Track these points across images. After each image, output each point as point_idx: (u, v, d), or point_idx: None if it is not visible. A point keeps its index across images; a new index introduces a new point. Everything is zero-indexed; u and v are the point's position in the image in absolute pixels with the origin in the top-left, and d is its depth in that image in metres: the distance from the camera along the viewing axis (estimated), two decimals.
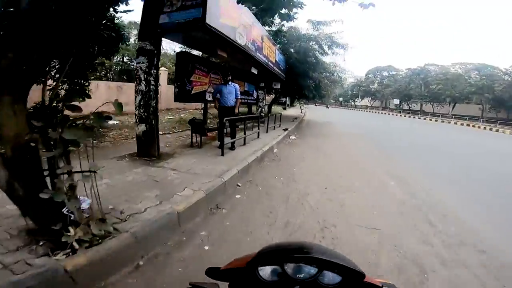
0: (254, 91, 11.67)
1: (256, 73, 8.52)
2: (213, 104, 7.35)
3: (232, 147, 6.00)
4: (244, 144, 6.69)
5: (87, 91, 9.18)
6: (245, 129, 6.71)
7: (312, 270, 0.57)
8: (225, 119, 5.48)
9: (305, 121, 18.84)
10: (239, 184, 4.36)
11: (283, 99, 22.72)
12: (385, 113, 47.38)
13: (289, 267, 0.57)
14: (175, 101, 5.99)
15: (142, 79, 4.80)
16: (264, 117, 10.85)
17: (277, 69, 10.04)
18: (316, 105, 50.58)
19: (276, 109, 27.19)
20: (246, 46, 6.17)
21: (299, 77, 14.44)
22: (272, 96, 21.35)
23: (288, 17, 15.31)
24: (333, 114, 33.62)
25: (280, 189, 4.37)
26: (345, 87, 56.76)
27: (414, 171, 6.30)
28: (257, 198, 3.93)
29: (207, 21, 4.43)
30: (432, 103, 44.78)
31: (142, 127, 4.86)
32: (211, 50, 6.23)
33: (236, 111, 6.13)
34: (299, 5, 14.67)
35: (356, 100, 69.09)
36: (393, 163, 6.94)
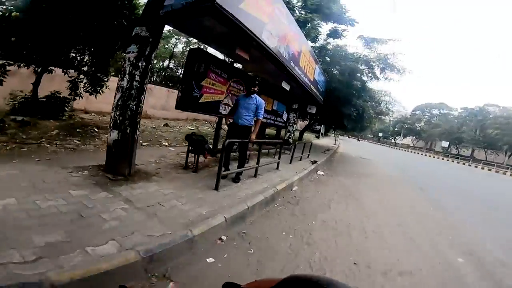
0: (285, 112, 10.27)
1: (288, 89, 7.15)
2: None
3: (236, 179, 4.58)
4: (255, 176, 5.21)
5: (104, 87, 8.53)
6: (259, 157, 5.26)
7: None
8: (228, 141, 4.10)
9: (338, 154, 16.89)
10: (223, 237, 2.87)
11: (318, 127, 20.98)
12: (430, 156, 42.55)
13: None
14: (176, 107, 4.75)
15: (127, 72, 3.65)
16: (291, 144, 9.32)
17: (314, 89, 8.59)
18: (349, 137, 47.76)
19: (308, 136, 25.47)
20: (276, 51, 4.86)
21: (340, 103, 12.70)
22: (306, 122, 19.72)
23: (336, 34, 13.94)
24: (370, 149, 30.88)
25: (283, 256, 2.79)
26: (387, 122, 53.18)
27: (486, 240, 4.36)
28: (240, 270, 2.40)
29: (218, 0, 3.19)
30: (485, 149, 39.66)
31: (114, 135, 3.64)
32: (229, 49, 5.01)
33: (253, 136, 4.59)
34: (350, 22, 13.30)
35: (397, 137, 65.20)
36: (454, 225, 4.95)
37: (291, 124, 11.15)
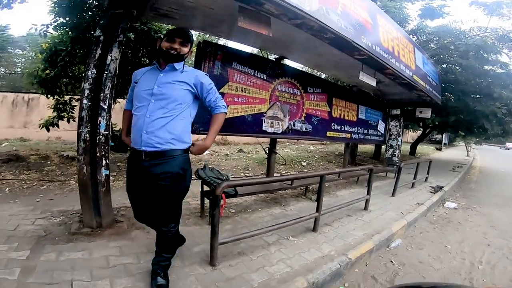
0: (380, 121, 7.47)
1: (374, 84, 4.70)
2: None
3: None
4: (314, 229, 3.09)
5: None
6: (321, 195, 3.05)
7: None
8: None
9: (476, 171, 11.90)
10: None
11: (438, 136, 15.57)
12: None
13: None
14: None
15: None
16: (396, 166, 6.44)
17: (422, 82, 5.64)
18: (481, 145, 36.42)
19: (425, 150, 19.91)
20: (321, 14, 2.78)
21: (471, 99, 8.74)
22: (419, 132, 15.16)
23: (432, 13, 9.60)
24: None
25: None
26: None
27: None
28: None
29: None
30: None
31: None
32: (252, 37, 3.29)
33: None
34: None
35: None
36: None
37: (393, 137, 8.12)
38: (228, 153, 9.58)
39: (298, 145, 13.60)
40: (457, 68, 8.88)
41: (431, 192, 5.75)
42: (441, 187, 6.21)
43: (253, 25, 2.57)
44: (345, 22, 3.13)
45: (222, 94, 3.38)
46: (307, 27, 2.89)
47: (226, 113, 1.92)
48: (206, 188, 3.07)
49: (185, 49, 1.79)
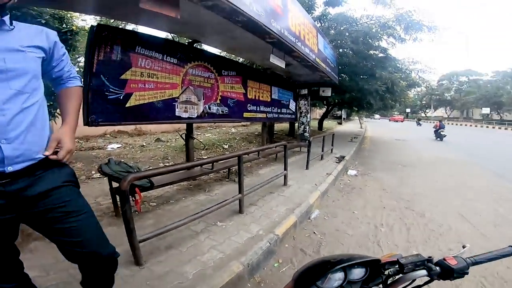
0: (291, 100, 8.05)
1: (284, 66, 4.98)
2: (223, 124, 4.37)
3: None
4: (240, 211, 3.17)
5: None
6: (241, 176, 3.12)
7: (341, 275, 0.68)
8: None
9: (368, 140, 14.25)
10: None
11: (338, 112, 18.19)
12: (470, 125, 37.22)
13: (323, 282, 0.67)
14: (85, 123, 2.77)
15: None
16: (306, 141, 7.10)
17: (323, 65, 6.30)
18: (370, 118, 44.99)
19: (330, 124, 22.78)
20: None
21: (360, 80, 10.28)
22: (324, 109, 17.14)
23: (335, 1, 10.97)
24: (401, 128, 27.38)
25: None
26: (412, 96, 48.86)
27: None
28: None
29: None
30: None
31: None
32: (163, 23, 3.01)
33: (64, 151, 1.10)
34: None
35: (427, 111, 60.14)
36: None
37: (303, 115, 8.91)
38: (144, 144, 8.82)
39: (219, 128, 13.58)
40: (350, 52, 10.23)
41: (336, 162, 6.61)
42: (343, 157, 7.20)
43: (157, 6, 2.31)
44: (257, 5, 3.13)
45: (125, 81, 3.03)
46: (219, 9, 2.78)
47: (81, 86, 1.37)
48: (116, 184, 2.74)
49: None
